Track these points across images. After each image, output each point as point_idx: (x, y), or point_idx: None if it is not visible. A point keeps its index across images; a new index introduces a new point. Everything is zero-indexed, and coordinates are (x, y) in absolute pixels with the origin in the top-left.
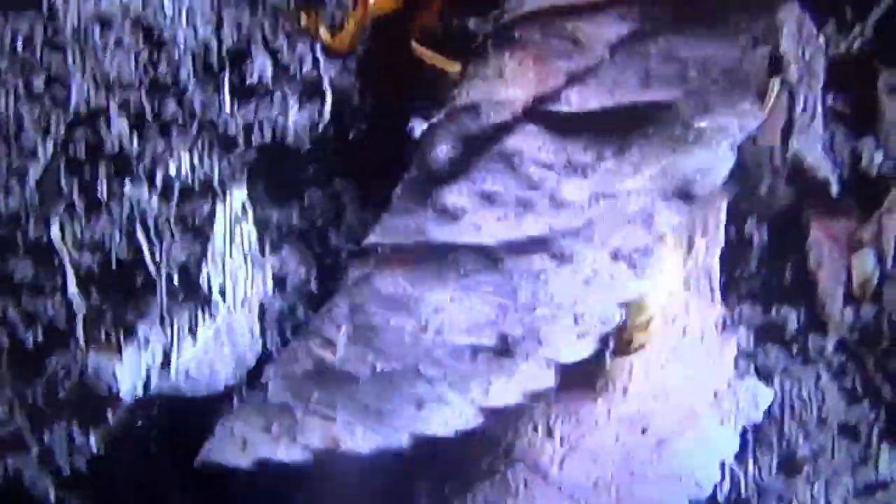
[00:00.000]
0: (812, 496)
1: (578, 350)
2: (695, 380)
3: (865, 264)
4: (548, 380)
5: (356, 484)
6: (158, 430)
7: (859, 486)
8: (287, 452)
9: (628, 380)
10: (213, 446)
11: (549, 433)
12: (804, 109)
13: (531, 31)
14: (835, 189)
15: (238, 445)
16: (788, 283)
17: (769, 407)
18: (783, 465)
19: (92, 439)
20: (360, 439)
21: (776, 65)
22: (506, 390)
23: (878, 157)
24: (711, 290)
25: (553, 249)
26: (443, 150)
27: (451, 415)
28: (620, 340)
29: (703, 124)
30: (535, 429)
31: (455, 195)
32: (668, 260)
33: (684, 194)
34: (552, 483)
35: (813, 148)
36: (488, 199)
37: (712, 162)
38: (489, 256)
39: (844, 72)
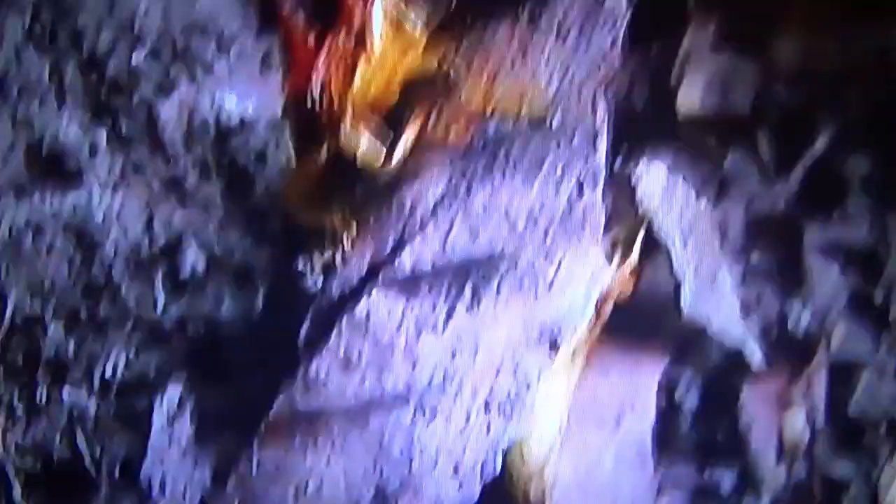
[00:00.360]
0: None
1: (460, 497)
2: None
3: (796, 423)
4: None
5: None
6: None
7: None
8: None
9: None
10: None
11: None
12: (696, 276)
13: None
14: (755, 358)
15: None
16: (721, 444)
17: None
18: None
19: None
20: None
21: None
22: None
23: (806, 318)
24: (643, 458)
25: (421, 404)
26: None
27: None
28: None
29: (552, 274)
30: None
31: (318, 364)
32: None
33: (548, 341)
34: None
35: (718, 313)
36: (348, 363)
37: (570, 308)
38: (358, 417)
39: (769, 230)
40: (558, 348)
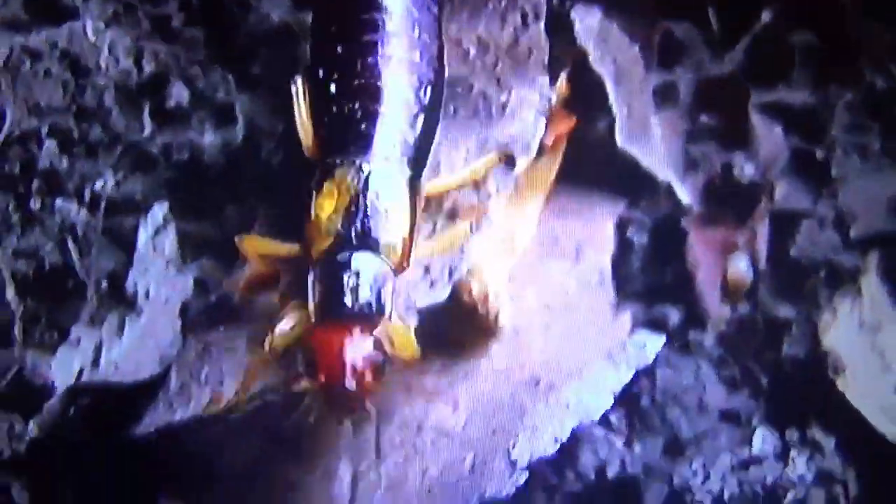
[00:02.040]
0: (693, 473)
1: (433, 296)
2: (589, 344)
3: (739, 266)
4: (410, 320)
5: None
6: (89, 415)
7: (736, 463)
8: None
9: (527, 349)
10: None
11: (456, 405)
12: (629, 116)
13: None
14: (684, 197)
15: None
16: (669, 283)
17: (653, 394)
18: (668, 447)
19: (30, 426)
20: None
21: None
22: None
23: (749, 169)
24: (604, 287)
25: None
26: None
27: None
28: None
29: (503, 98)
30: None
31: None
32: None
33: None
34: (457, 439)
35: (647, 150)
36: None
37: (522, 130)
38: None
39: (717, 92)
40: (514, 166)
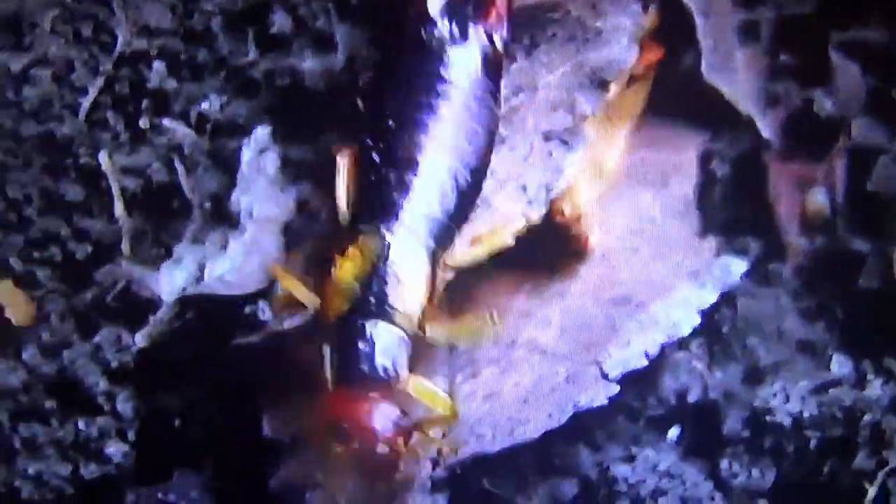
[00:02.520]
0: (773, 395)
1: (530, 212)
2: (676, 266)
3: (818, 200)
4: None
5: None
6: (195, 327)
7: (814, 387)
8: None
9: (617, 270)
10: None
11: (548, 322)
12: (714, 49)
13: None
14: (765, 131)
15: None
16: (750, 215)
17: (733, 322)
18: (747, 374)
19: (136, 338)
20: None
21: None
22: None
23: (828, 106)
24: (689, 214)
25: None
26: None
27: None
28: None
29: (598, 24)
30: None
31: None
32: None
33: (598, 83)
34: (549, 354)
35: (730, 83)
36: None
37: (616, 56)
38: None
39: (797, 31)
40: (607, 88)
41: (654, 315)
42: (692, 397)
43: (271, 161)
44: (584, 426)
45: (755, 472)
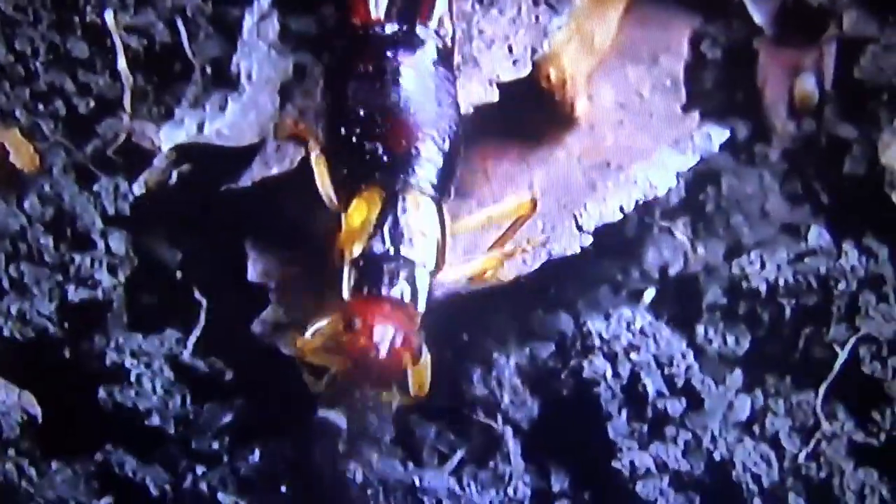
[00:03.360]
0: (750, 262)
1: (515, 72)
2: (659, 136)
3: (806, 85)
4: (491, 95)
5: None
6: (190, 174)
7: (792, 256)
8: None
9: (601, 139)
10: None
11: (530, 186)
12: None
13: None
14: (757, 17)
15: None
16: (739, 97)
17: (718, 201)
18: (730, 250)
19: (135, 186)
20: None
21: None
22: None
23: None
24: (677, 91)
25: None
26: None
27: None
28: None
29: None
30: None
31: None
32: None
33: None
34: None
35: None
36: None
37: None
38: None
39: None
40: None
41: (632, 176)
42: (673, 270)
43: (272, 27)
44: (566, 296)
45: (730, 339)
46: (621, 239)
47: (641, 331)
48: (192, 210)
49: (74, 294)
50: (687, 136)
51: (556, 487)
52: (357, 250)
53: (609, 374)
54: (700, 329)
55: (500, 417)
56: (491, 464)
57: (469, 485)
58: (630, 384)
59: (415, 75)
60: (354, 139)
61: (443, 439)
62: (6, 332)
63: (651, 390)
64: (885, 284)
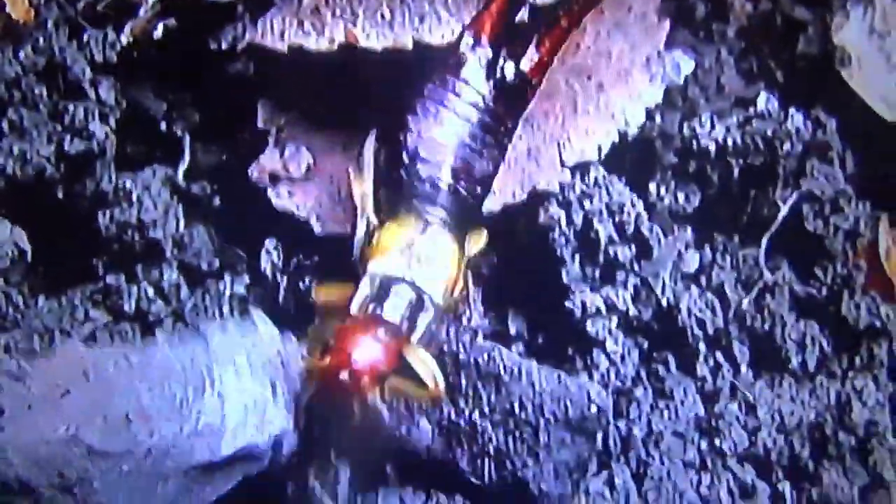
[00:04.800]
0: (701, 123)
1: None
2: (632, 46)
3: None
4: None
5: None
6: (176, 25)
7: (742, 119)
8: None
9: (581, 38)
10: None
11: None
12: None
13: None
14: None
15: (276, 35)
16: None
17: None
18: (684, 117)
19: (122, 36)
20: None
21: None
22: None
23: None
24: None
25: None
26: None
27: (444, 30)
28: None
29: None
30: None
31: None
32: None
33: None
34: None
35: None
36: None
37: None
38: None
39: None
40: None
41: (611, 106)
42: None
43: None
44: None
45: (681, 197)
46: None
47: (595, 182)
48: (177, 63)
49: (70, 145)
50: (657, 60)
51: (512, 330)
52: (378, 268)
53: (563, 220)
54: (652, 186)
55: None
56: None
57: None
58: (583, 231)
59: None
60: (405, 156)
61: None
62: (9, 171)
63: (603, 237)
64: (830, 150)
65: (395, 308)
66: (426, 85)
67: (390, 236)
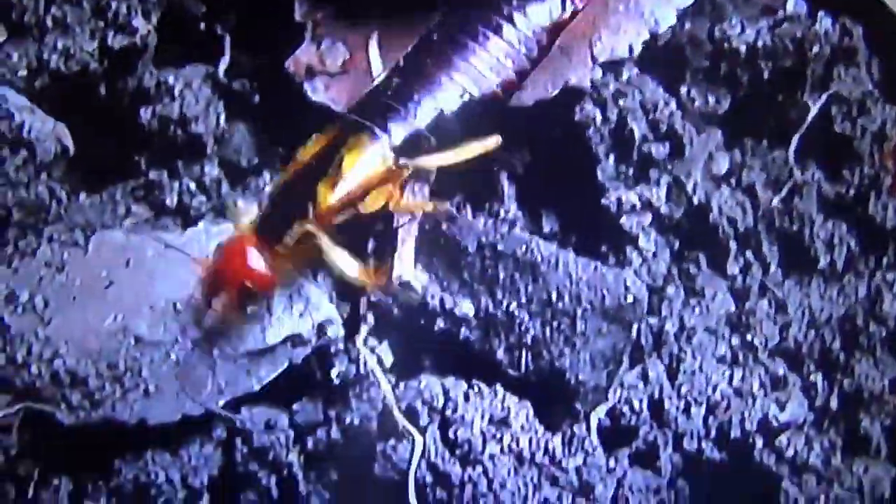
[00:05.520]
0: (732, 26)
1: None
2: None
3: None
4: None
5: None
6: None
7: (770, 23)
8: None
9: None
10: None
11: None
12: None
13: None
14: None
15: None
16: None
17: None
18: (713, 21)
19: None
20: None
21: None
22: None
23: None
24: None
25: None
26: None
27: None
28: None
29: None
30: None
31: None
32: None
33: None
34: None
35: None
36: None
37: None
38: None
39: None
40: None
41: (641, 5)
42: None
43: None
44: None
45: (711, 99)
46: None
47: (628, 81)
48: None
49: (113, 40)
50: None
51: (546, 228)
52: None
53: (599, 118)
54: (683, 89)
55: (495, 162)
56: (487, 206)
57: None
58: (617, 128)
59: (511, 29)
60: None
61: (441, 182)
62: (52, 66)
63: (637, 134)
64: (857, 55)
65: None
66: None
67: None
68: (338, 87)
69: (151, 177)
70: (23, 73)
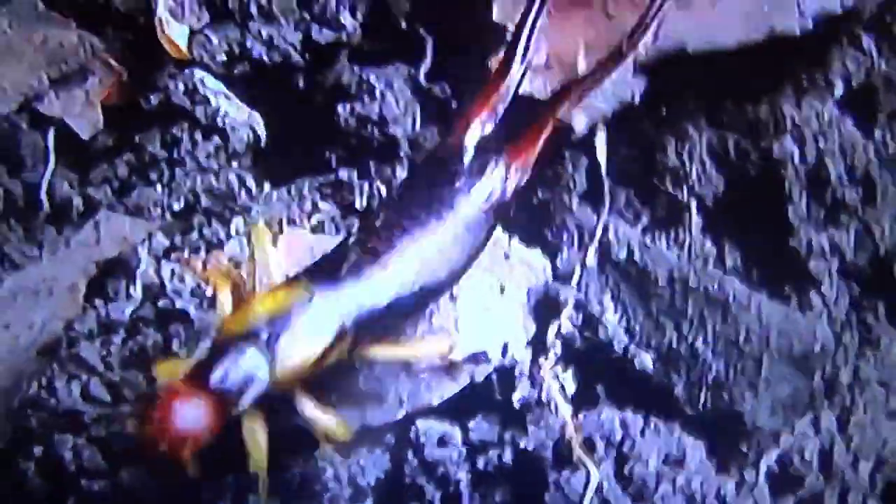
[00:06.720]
0: None
1: None
2: None
3: None
4: None
5: None
6: None
7: None
8: None
9: None
10: None
11: None
12: None
13: None
14: None
15: None
16: None
17: None
18: None
19: None
20: None
21: None
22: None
23: None
24: None
25: None
26: None
27: None
28: None
29: None
30: None
31: None
32: None
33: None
34: None
35: None
36: None
37: None
38: None
39: None
40: None
41: None
42: (855, 82)
43: None
44: (758, 85)
45: None
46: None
47: (829, 121)
48: None
49: (319, 34)
50: None
51: (728, 263)
52: (236, 325)
53: (797, 156)
54: (878, 133)
55: (685, 189)
56: (672, 233)
57: (657, 240)
58: (815, 168)
59: (456, 213)
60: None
61: (629, 204)
62: (254, 54)
63: (833, 175)
64: None
65: (227, 376)
66: None
67: (268, 298)
68: (539, 79)
69: (341, 175)
70: (222, 58)
